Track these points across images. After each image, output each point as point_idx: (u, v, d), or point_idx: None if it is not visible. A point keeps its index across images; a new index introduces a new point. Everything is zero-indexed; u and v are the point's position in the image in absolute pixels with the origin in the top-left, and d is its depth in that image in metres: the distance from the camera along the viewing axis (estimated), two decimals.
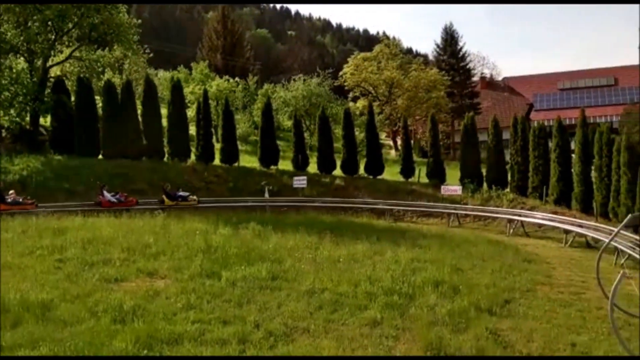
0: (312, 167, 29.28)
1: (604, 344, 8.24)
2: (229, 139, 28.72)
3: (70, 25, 26.91)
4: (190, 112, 34.34)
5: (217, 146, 29.26)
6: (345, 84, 52.62)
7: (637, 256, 12.91)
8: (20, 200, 20.06)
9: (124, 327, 7.99)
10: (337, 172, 28.91)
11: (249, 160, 31.83)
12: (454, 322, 8.84)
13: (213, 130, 32.37)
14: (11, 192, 20.37)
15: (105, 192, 21.83)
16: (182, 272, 11.14)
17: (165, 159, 27.46)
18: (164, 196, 22.63)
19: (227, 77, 46.69)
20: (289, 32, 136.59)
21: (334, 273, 11.35)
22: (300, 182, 25.14)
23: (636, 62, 78.66)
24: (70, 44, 28.97)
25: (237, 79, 48.10)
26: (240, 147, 37.29)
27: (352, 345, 7.79)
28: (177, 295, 9.62)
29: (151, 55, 46.48)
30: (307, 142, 36.49)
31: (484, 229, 21.64)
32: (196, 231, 15.06)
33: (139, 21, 30.97)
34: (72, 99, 26.69)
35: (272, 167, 28.86)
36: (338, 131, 33.19)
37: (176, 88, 28.55)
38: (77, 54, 29.12)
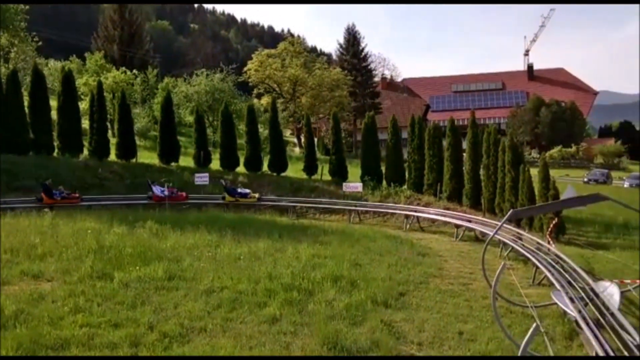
0: (215, 164, 28.79)
1: (488, 331, 8.78)
2: (125, 133, 27.49)
3: None
4: (84, 105, 32.54)
5: (113, 141, 27.91)
6: (250, 80, 52.28)
7: (519, 248, 13.89)
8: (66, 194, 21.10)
9: (4, 334, 7.40)
10: (241, 169, 28.64)
11: (148, 156, 30.71)
12: (351, 316, 9.04)
13: (109, 124, 30.89)
14: (60, 187, 21.29)
15: (154, 186, 22.68)
16: (71, 274, 10.49)
17: (55, 153, 25.78)
18: (225, 193, 23.18)
19: (124, 69, 44.63)
20: (192, 25, 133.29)
21: (234, 271, 11.21)
22: (202, 179, 24.60)
23: (521, 68, 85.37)
24: None
25: (135, 71, 46.22)
26: (139, 142, 35.92)
27: (250, 342, 7.73)
28: (64, 299, 9.04)
29: (40, 43, 43.39)
30: (210, 139, 35.84)
31: (383, 225, 22.36)
32: (88, 230, 14.27)
33: (27, 7, 28.77)
34: None
35: (173, 163, 28.04)
36: (242, 127, 32.89)
37: (67, 79, 26.85)
38: None
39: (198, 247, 13.37)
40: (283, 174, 28.59)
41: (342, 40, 68.71)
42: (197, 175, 24.91)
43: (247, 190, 23.98)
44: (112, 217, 16.89)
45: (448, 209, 21.92)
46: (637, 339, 7.37)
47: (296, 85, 52.84)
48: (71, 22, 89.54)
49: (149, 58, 64.16)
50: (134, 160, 27.79)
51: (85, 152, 27.06)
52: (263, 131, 35.35)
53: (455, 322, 9.28)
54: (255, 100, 52.66)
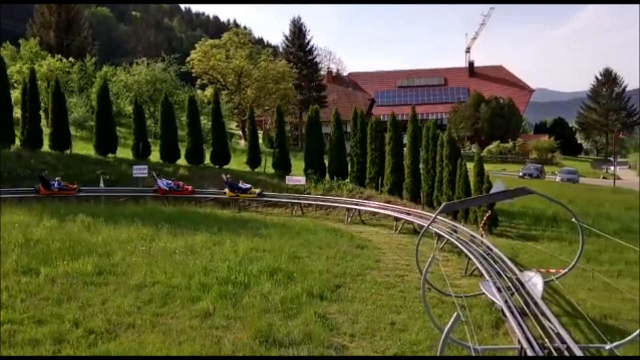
0: (155, 156, 28.05)
1: (419, 321, 8.99)
2: (59, 123, 26.34)
3: None
4: (17, 94, 31.04)
5: (48, 131, 26.74)
6: (193, 70, 51.28)
7: (454, 240, 14.28)
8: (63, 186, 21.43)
9: None
10: (182, 161, 28.05)
11: (84, 148, 29.60)
12: (285, 309, 9.05)
13: (43, 113, 29.55)
14: (57, 178, 21.58)
15: (159, 179, 22.79)
16: None
17: None
18: (226, 188, 22.98)
19: (60, 56, 42.81)
20: (134, 13, 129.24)
21: (168, 265, 11.00)
22: (140, 171, 23.93)
23: (463, 65, 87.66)
24: None
25: (72, 59, 44.44)
26: (75, 132, 34.65)
27: (180, 338, 7.61)
28: None
29: None
30: (151, 130, 34.93)
31: (325, 218, 22.47)
32: (15, 224, 13.64)
33: None
34: None
35: (110, 155, 27.12)
36: (185, 119, 32.21)
37: None
38: None
39: (132, 240, 13.04)
40: (226, 167, 28.21)
41: (287, 33, 68.47)
42: (135, 167, 24.21)
43: (248, 185, 23.77)
44: (42, 210, 16.21)
45: (389, 202, 22.26)
46: (557, 326, 7.73)
47: (241, 76, 52.24)
48: (5, 7, 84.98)
49: (88, 45, 61.73)
50: (68, 151, 26.73)
51: (18, 142, 25.83)
52: (207, 123, 34.75)
53: (389, 312, 9.44)
54: (199, 91, 51.73)
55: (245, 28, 71.74)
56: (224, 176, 24.08)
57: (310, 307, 9.27)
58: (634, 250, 6.95)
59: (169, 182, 23.31)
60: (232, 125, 62.98)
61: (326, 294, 10.14)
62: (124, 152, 28.12)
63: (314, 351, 7.45)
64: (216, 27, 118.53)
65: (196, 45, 53.68)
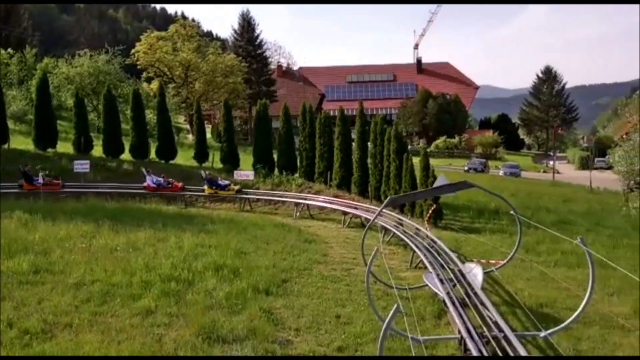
0: (98, 151, 27.21)
1: (364, 313, 9.07)
2: None
3: None
4: None
5: None
6: (138, 63, 50.00)
7: (399, 234, 14.51)
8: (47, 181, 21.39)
9: None
10: (126, 156, 27.31)
11: (23, 142, 28.39)
12: (230, 305, 8.96)
13: None
14: (41, 173, 21.48)
15: (148, 175, 22.47)
16: None
17: None
18: (205, 185, 22.24)
19: None
20: (77, 4, 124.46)
21: (108, 263, 10.68)
22: (82, 166, 23.10)
23: (411, 61, 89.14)
24: None
25: (10, 50, 42.57)
26: (14, 126, 33.22)
27: (119, 337, 7.41)
28: None
29: None
30: (94, 124, 33.81)
31: (274, 213, 22.37)
32: None
33: None
34: None
35: (50, 149, 26.12)
36: (129, 112, 31.33)
37: None
38: None
39: (71, 238, 12.60)
40: (172, 162, 27.66)
41: (236, 26, 67.65)
42: (76, 162, 23.35)
43: (228, 182, 23.27)
44: None
45: (337, 196, 22.36)
46: (495, 315, 7.98)
47: (188, 70, 51.32)
48: None
49: (28, 36, 59.26)
50: (6, 145, 25.55)
51: None
52: (153, 117, 33.93)
53: (334, 306, 9.49)
54: (145, 85, 50.47)
55: (193, 20, 70.42)
56: (203, 173, 23.69)
57: (256, 302, 9.20)
58: (569, 241, 7.24)
59: (159, 179, 23.01)
60: (180, 120, 61.83)
61: (272, 289, 10.10)
62: (65, 147, 27.14)
63: (257, 346, 7.40)
64: (163, 19, 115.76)
65: (142, 37, 52.35)
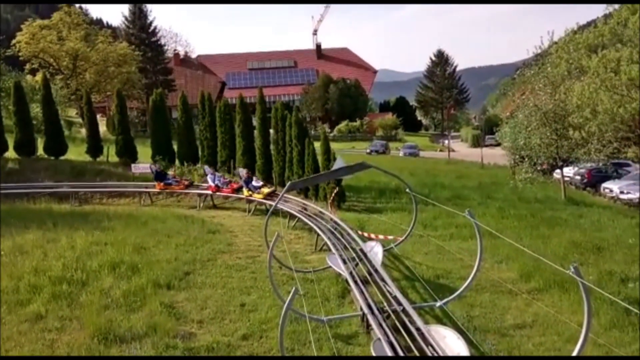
0: None
1: (269, 299, 9.04)
2: None
3: None
4: None
5: None
6: (20, 54, 46.41)
7: (304, 218, 14.62)
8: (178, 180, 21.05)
9: None
10: (11, 153, 25.29)
11: None
12: (128, 303, 8.59)
13: None
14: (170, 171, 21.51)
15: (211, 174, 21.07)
16: None
17: None
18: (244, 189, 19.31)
19: None
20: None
21: None
22: None
23: (311, 47, 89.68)
24: None
25: None
26: None
27: (6, 345, 6.86)
28: None
29: None
30: None
31: (177, 205, 21.66)
32: None
33: None
34: None
35: None
36: (12, 107, 28.95)
37: None
38: None
39: None
40: (62, 158, 25.98)
41: (127, 13, 64.53)
42: None
43: (178, 178, 21.72)
44: None
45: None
46: (395, 290, 8.26)
47: (77, 60, 48.32)
48: None
49: None
50: None
51: None
52: (40, 111, 31.58)
53: (239, 295, 9.39)
54: (29, 77, 46.93)
55: (80, 8, 66.18)
56: (150, 167, 22.29)
57: (156, 297, 8.89)
58: (461, 215, 7.64)
59: (224, 179, 21.21)
60: (72, 113, 58.26)
61: (174, 282, 9.81)
62: None
63: (158, 343, 7.15)
64: (48, 7, 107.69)
65: (22, 26, 48.54)
